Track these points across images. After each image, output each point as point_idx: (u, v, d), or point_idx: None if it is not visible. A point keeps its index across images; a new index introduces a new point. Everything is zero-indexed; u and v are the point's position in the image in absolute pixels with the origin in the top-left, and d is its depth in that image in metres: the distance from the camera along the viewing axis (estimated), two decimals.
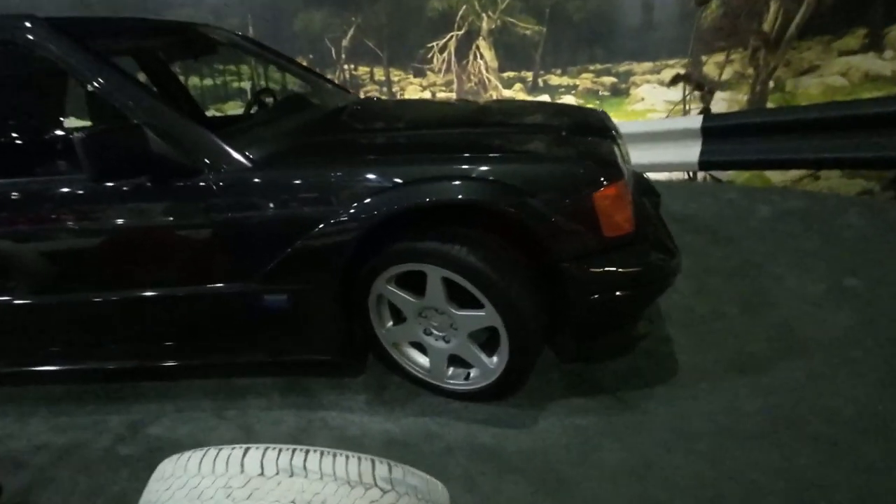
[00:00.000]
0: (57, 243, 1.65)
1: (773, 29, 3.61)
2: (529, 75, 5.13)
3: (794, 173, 3.64)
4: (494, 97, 4.97)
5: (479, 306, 1.55)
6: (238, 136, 1.65)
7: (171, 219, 1.57)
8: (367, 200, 1.46)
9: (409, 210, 1.43)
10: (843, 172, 3.36)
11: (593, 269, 1.47)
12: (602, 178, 1.46)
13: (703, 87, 3.60)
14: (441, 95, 5.14)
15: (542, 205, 1.42)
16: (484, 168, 1.45)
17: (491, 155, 1.54)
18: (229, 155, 1.55)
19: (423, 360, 1.78)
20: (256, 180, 1.54)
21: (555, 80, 5.06)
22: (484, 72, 5.18)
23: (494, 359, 1.62)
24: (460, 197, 1.42)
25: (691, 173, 3.87)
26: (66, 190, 1.59)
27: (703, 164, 3.42)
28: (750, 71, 3.76)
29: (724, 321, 2.02)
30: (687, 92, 3.84)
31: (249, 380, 1.97)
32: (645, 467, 1.44)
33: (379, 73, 5.46)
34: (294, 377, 1.94)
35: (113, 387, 2.01)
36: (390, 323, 1.75)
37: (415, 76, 5.33)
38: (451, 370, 1.74)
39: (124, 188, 1.55)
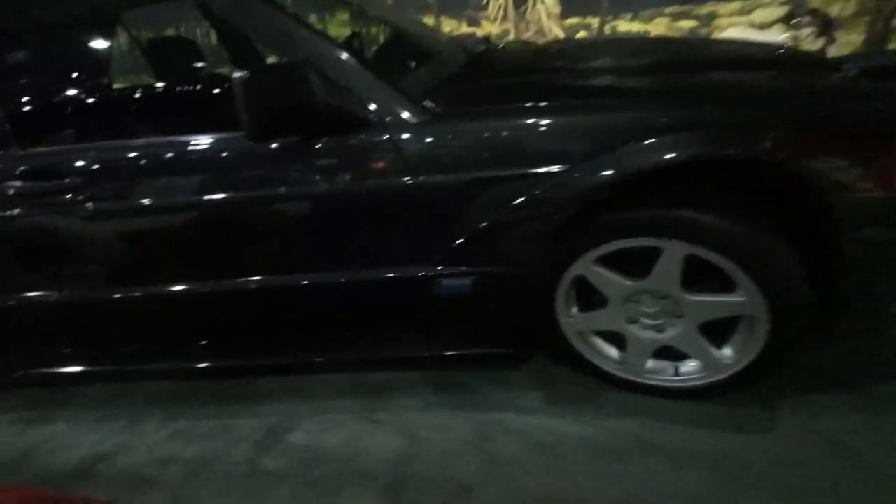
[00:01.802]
0: (200, 219, 1.33)
1: None
2: (595, 21, 4.65)
3: None
4: None
5: (717, 290, 1.26)
6: (401, 83, 1.30)
7: (334, 186, 1.25)
8: (611, 155, 1.13)
9: (672, 166, 1.11)
10: None
11: (881, 240, 1.17)
12: None
13: (831, 26, 3.18)
14: None
15: (833, 157, 1.10)
16: (756, 114, 1.12)
17: (754, 99, 1.21)
18: (409, 105, 1.22)
19: (612, 352, 1.50)
20: (448, 135, 1.21)
21: (623, 25, 4.59)
22: (544, 19, 4.70)
23: (727, 352, 1.34)
24: (763, 151, 1.10)
25: None
26: (207, 153, 1.27)
27: None
28: (870, 6, 3.35)
29: None
30: (807, 32, 3.41)
31: (388, 374, 1.69)
32: None
33: (428, 22, 4.98)
34: (440, 370, 1.67)
35: (224, 385, 1.74)
36: (575, 308, 1.46)
37: (468, 25, 4.86)
38: (650, 363, 1.46)
39: (279, 146, 1.22)
